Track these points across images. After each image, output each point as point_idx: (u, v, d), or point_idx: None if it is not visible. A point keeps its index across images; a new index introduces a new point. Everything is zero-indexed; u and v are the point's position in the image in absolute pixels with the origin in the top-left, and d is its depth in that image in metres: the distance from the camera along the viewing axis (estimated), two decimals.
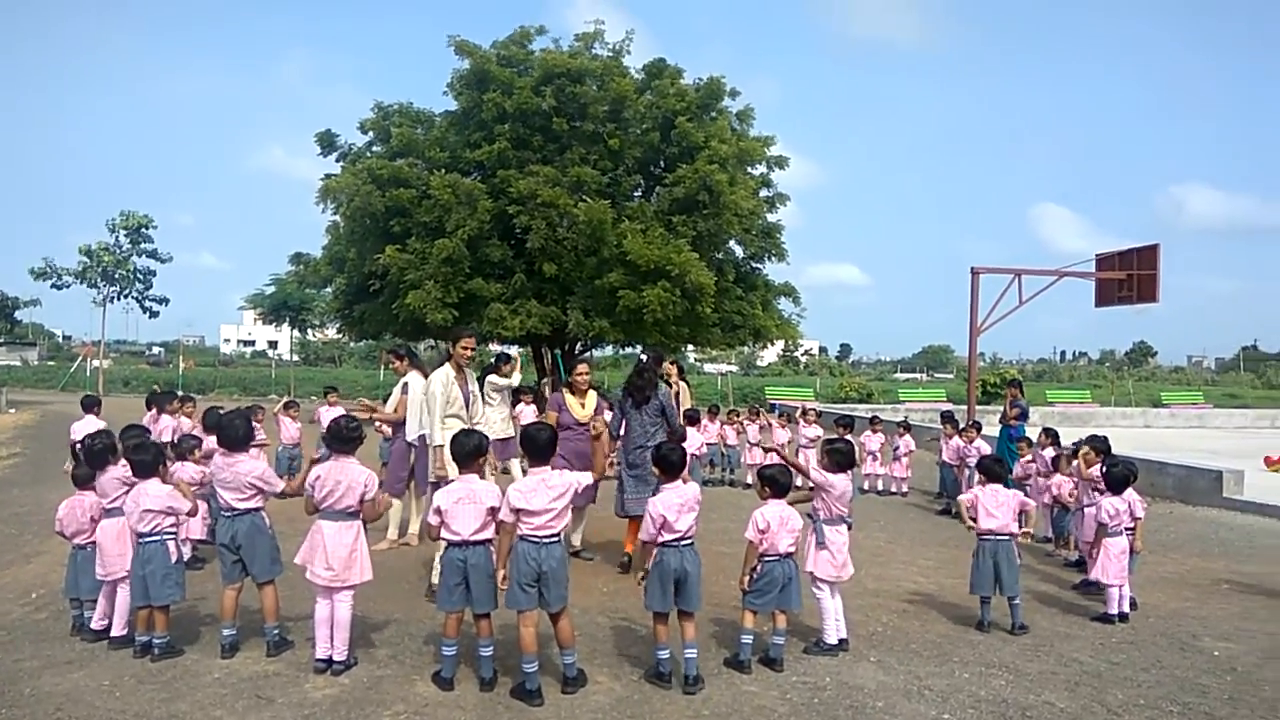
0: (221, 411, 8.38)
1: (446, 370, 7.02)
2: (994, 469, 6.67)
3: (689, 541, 5.03)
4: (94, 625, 5.63)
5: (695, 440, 10.77)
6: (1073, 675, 5.43)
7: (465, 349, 7.15)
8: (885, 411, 23.95)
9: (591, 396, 7.98)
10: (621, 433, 7.60)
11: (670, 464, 5.19)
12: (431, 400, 6.89)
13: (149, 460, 5.46)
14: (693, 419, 11.00)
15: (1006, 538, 6.28)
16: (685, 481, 5.27)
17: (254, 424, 7.01)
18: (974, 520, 6.39)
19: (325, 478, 5.18)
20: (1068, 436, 9.64)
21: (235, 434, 5.45)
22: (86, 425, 8.77)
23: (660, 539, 4.99)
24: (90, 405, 9.51)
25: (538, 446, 5.05)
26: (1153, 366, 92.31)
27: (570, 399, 7.86)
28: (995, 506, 6.33)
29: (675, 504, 5.01)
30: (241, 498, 5.37)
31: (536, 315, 21.26)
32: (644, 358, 8.26)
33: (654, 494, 5.21)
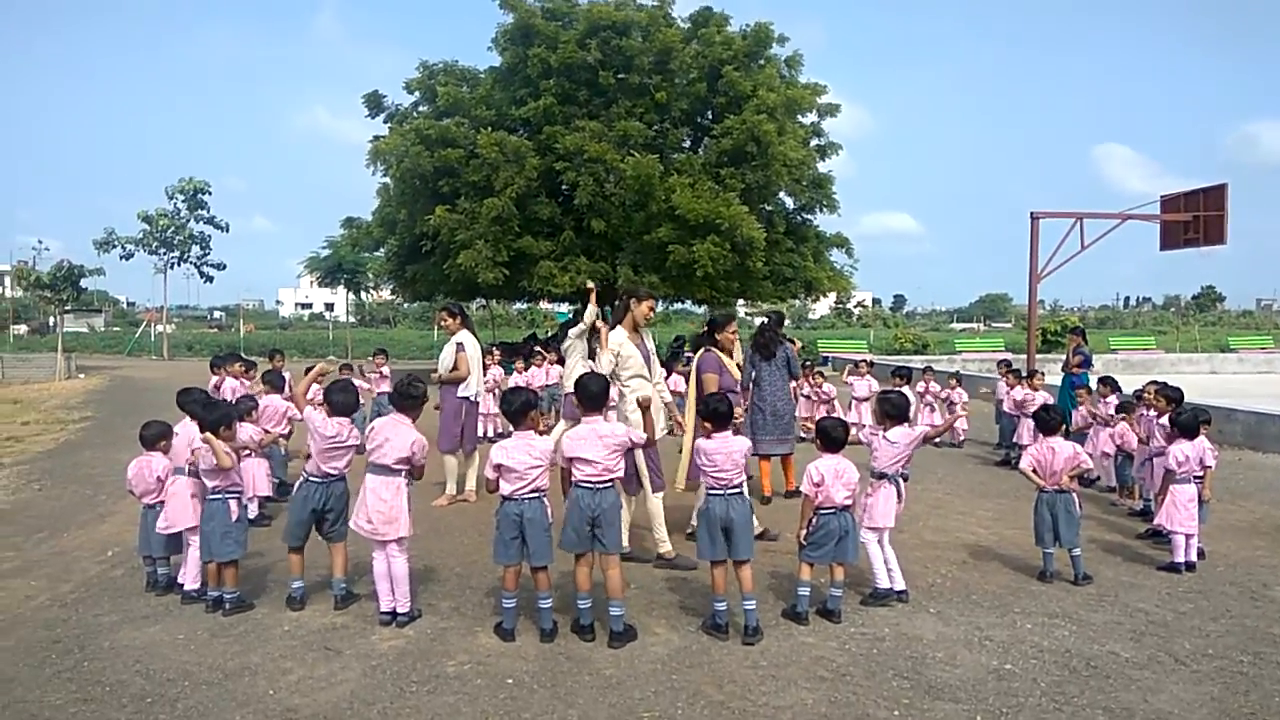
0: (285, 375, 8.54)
1: (620, 331, 6.82)
2: (1046, 420, 6.50)
3: (736, 490, 5.06)
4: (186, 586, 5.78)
5: None
6: (1138, 625, 5.34)
7: (650, 309, 6.95)
8: (941, 362, 23.60)
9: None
10: (752, 384, 8.33)
11: (719, 415, 5.22)
12: (609, 361, 6.75)
13: (214, 419, 5.58)
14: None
15: (1067, 491, 6.17)
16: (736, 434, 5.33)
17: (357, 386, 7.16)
18: (1042, 478, 6.24)
19: (379, 430, 5.33)
20: (1132, 384, 9.41)
21: (349, 401, 5.65)
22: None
23: (708, 482, 5.10)
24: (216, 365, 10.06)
25: (591, 396, 5.13)
26: (1220, 311, 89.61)
27: (726, 360, 7.34)
28: (1052, 464, 6.19)
29: (722, 452, 5.08)
30: (344, 465, 5.54)
31: (586, 272, 21.25)
32: (768, 316, 8.86)
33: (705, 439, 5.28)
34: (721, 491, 5.05)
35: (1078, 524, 6.21)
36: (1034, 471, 6.27)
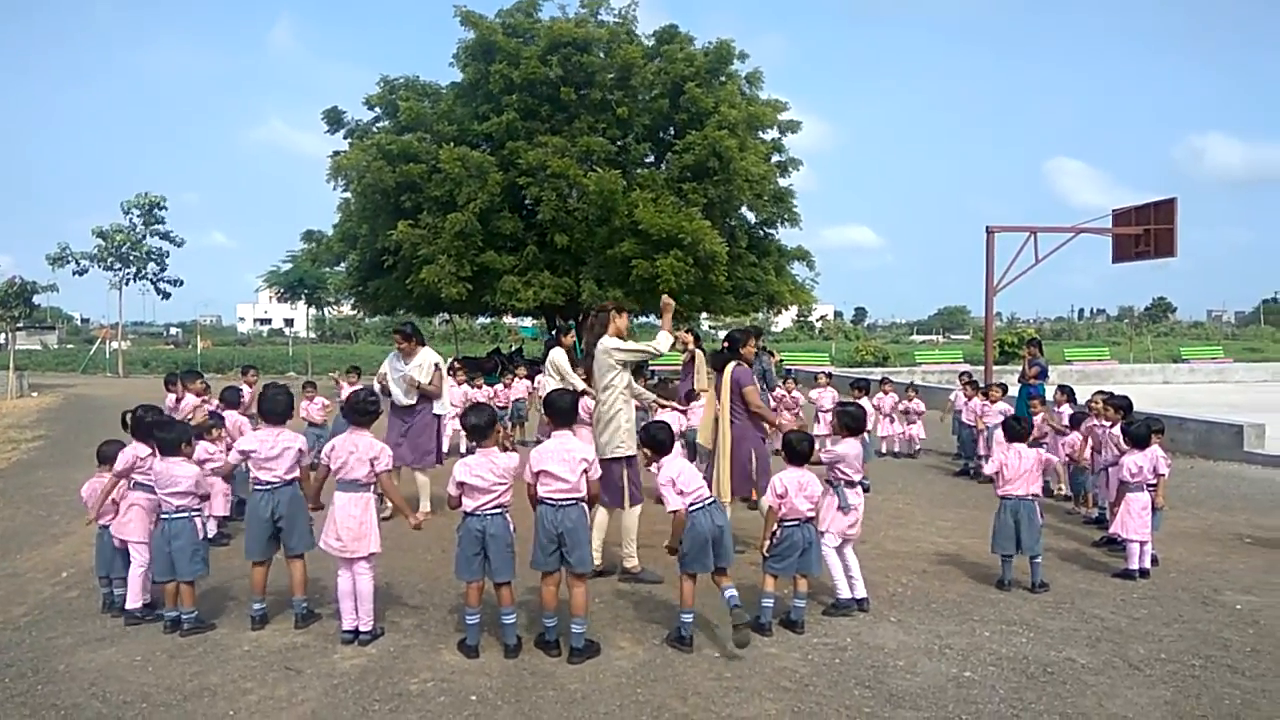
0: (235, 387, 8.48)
1: (613, 340, 6.74)
2: (1015, 429, 6.65)
3: (713, 500, 5.10)
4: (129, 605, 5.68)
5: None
6: (1094, 631, 5.45)
7: (629, 322, 6.90)
8: (901, 374, 23.89)
9: None
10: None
11: (659, 442, 5.21)
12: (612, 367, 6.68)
13: (173, 438, 5.52)
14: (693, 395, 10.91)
15: (1029, 498, 6.28)
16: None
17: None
18: (1004, 482, 6.36)
19: (339, 448, 5.27)
20: (1086, 395, 9.60)
21: (279, 407, 5.56)
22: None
23: (685, 501, 5.04)
24: (170, 383, 9.69)
25: (560, 411, 5.15)
26: (1172, 322, 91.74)
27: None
28: (1018, 470, 6.30)
29: (679, 469, 5.11)
30: (284, 471, 5.43)
31: (550, 286, 21.29)
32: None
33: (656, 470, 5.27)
34: (701, 504, 5.05)
35: (1039, 531, 6.32)
36: (997, 474, 6.38)
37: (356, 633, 5.18)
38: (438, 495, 8.73)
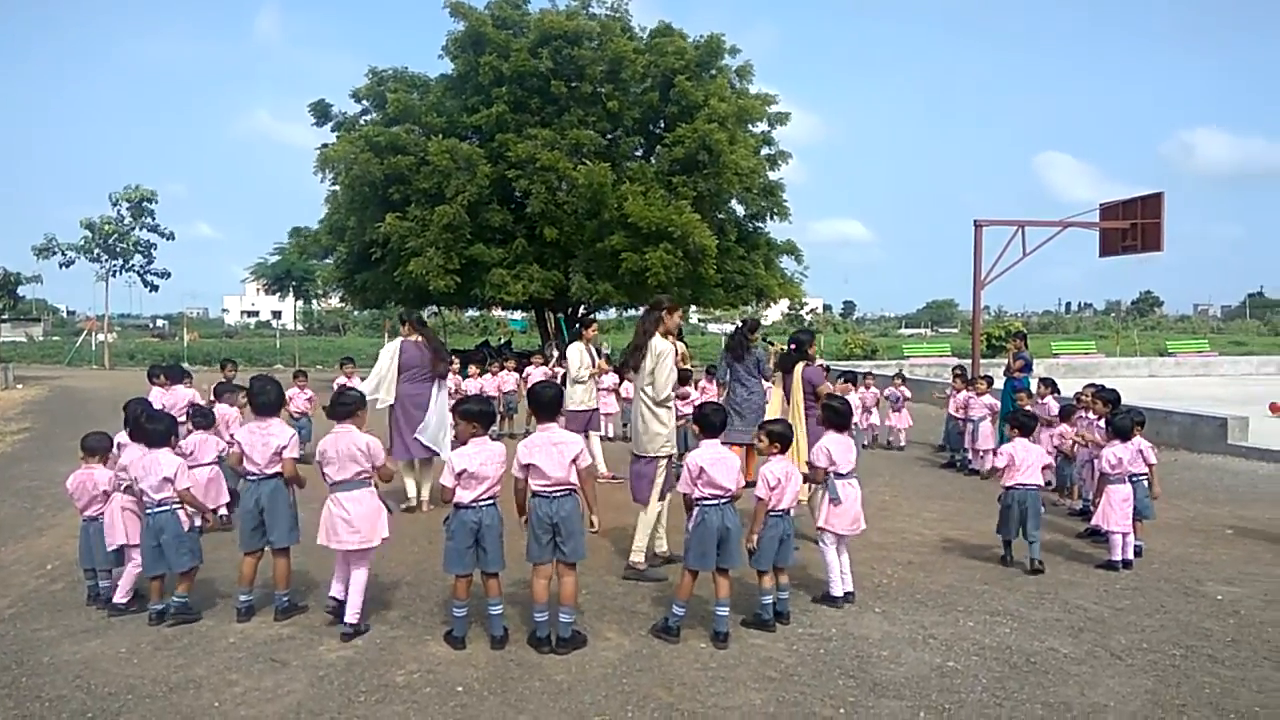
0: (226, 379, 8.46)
1: (665, 341, 6.54)
2: (1025, 423, 6.92)
3: (729, 499, 5.09)
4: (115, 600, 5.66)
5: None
6: (1077, 621, 5.50)
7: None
8: (889, 367, 23.97)
9: None
10: (726, 380, 9.33)
11: (710, 424, 5.26)
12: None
13: (163, 430, 5.52)
14: (685, 379, 10.93)
15: (1034, 488, 6.54)
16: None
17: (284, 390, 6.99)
18: (1012, 472, 6.57)
19: (326, 448, 5.27)
20: (1072, 388, 9.66)
21: (268, 399, 5.55)
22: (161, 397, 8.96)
23: (698, 494, 5.06)
24: (154, 376, 9.67)
25: (544, 404, 5.15)
26: (1159, 316, 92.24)
27: None
28: (1026, 461, 6.57)
29: (713, 459, 5.08)
30: (264, 463, 5.43)
31: (539, 280, 21.27)
32: (741, 322, 9.72)
33: (691, 450, 5.32)
34: (715, 502, 5.04)
35: (1040, 519, 6.61)
36: (1007, 465, 6.61)
37: (342, 604, 5.21)
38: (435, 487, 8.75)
